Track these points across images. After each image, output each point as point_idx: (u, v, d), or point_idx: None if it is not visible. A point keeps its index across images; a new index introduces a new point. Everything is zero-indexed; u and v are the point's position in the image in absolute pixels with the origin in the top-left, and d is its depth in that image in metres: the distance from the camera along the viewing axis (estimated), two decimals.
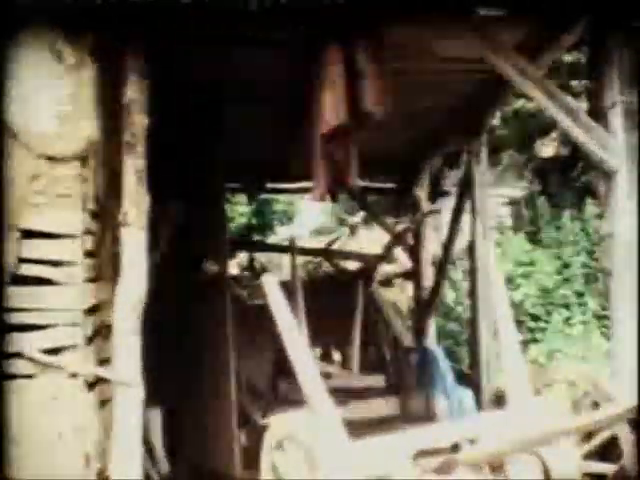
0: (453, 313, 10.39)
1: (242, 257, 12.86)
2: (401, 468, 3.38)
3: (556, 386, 4.10)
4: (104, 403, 3.54)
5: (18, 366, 3.23)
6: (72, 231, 3.34)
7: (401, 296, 10.56)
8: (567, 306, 9.77)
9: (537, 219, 11.63)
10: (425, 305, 8.40)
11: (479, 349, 6.27)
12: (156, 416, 5.30)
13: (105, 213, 3.68)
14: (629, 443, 3.86)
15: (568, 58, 10.19)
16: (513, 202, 13.00)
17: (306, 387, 3.58)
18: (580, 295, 9.86)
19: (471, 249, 6.56)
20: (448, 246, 7.57)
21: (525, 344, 8.89)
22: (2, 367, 3.21)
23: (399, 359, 8.36)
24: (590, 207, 10.45)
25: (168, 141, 4.74)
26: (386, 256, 9.36)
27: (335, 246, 12.44)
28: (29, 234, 3.27)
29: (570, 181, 11.95)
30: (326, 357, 9.50)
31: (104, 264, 3.68)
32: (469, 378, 6.83)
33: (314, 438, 3.45)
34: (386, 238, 9.55)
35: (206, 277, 6.35)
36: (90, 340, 3.44)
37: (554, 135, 12.02)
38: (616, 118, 4.32)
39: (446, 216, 8.22)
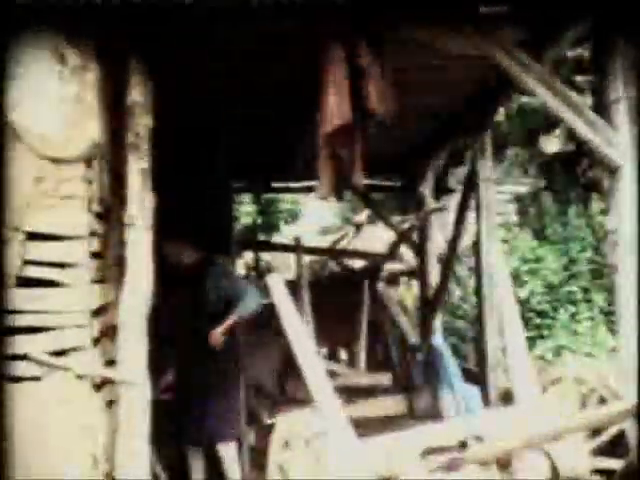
0: (459, 310, 10.40)
1: (248, 257, 12.88)
2: (409, 466, 3.38)
3: (563, 382, 4.09)
4: (111, 404, 3.54)
5: (24, 368, 3.22)
6: (77, 233, 3.34)
7: (407, 294, 10.56)
8: (573, 302, 9.76)
9: (542, 215, 11.61)
10: (431, 303, 8.39)
11: (485, 346, 6.25)
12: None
13: (110, 214, 3.68)
14: (636, 439, 3.85)
15: (572, 54, 10.18)
16: (518, 198, 12.98)
17: (313, 386, 3.58)
18: (586, 291, 9.84)
19: (477, 246, 6.55)
20: (453, 243, 7.56)
21: (531, 340, 8.89)
22: (9, 369, 3.21)
23: (405, 357, 8.37)
24: (596, 203, 10.43)
25: (172, 143, 4.74)
26: (392, 254, 9.36)
27: (340, 245, 12.47)
28: (34, 236, 3.27)
29: (575, 177, 11.93)
30: (332, 356, 9.52)
31: (110, 265, 3.68)
32: (476, 375, 6.83)
33: (321, 437, 3.45)
34: (391, 236, 9.56)
35: None
36: (97, 341, 3.44)
37: (558, 131, 11.99)
38: (620, 113, 4.30)
39: (451, 213, 8.22)
